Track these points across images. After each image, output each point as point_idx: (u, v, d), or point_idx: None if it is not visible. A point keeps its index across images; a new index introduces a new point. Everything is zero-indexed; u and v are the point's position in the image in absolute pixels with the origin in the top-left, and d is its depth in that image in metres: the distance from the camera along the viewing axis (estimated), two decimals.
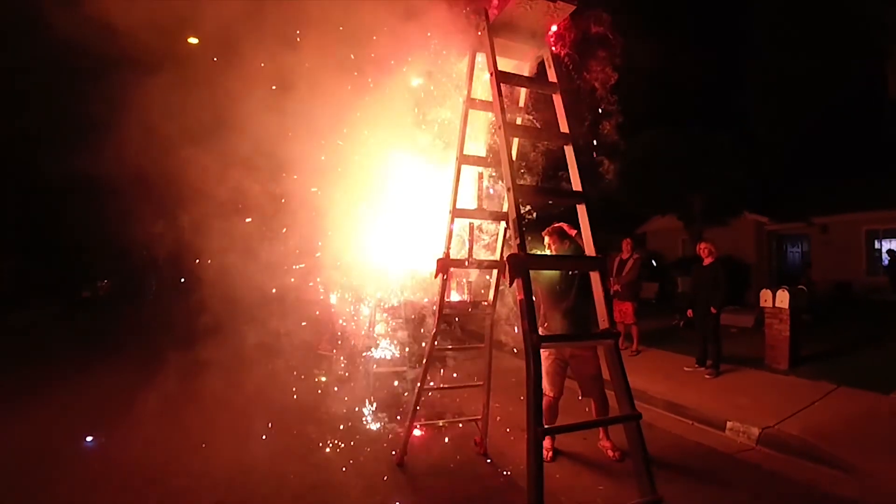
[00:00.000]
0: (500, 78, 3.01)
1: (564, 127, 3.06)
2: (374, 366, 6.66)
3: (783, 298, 7.32)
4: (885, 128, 13.05)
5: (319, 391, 6.10)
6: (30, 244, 19.70)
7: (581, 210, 2.82)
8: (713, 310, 7.07)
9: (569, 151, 2.96)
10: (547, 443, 4.64)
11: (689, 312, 7.62)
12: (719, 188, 14.47)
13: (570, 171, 2.93)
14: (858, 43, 12.90)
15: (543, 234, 4.62)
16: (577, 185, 2.89)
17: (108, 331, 8.35)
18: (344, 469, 4.41)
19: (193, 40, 5.17)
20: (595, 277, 2.67)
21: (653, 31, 22.59)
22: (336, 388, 6.24)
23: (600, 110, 4.02)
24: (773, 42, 14.67)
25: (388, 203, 4.89)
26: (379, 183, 4.87)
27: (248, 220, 5.43)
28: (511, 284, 2.33)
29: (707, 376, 6.99)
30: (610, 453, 4.59)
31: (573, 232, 4.39)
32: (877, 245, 16.33)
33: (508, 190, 2.62)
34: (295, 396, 6.06)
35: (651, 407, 6.25)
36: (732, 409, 5.64)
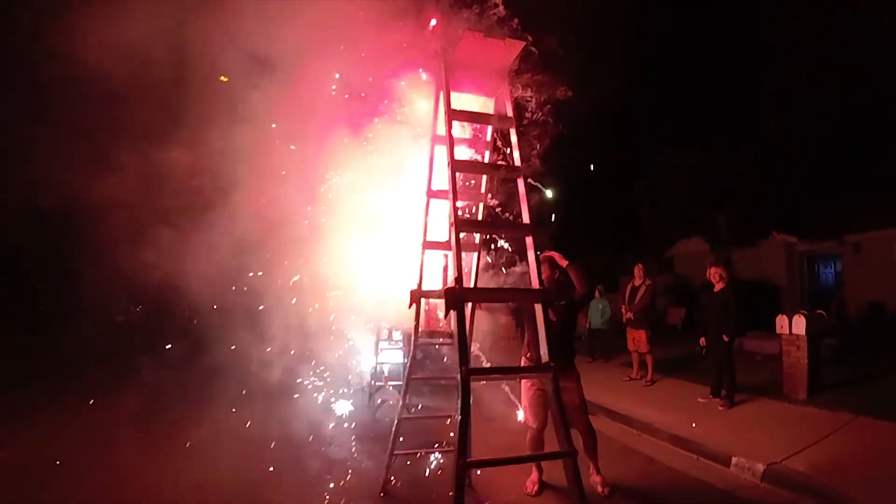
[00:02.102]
0: (452, 115, 3.11)
1: (517, 161, 3.12)
2: (377, 398, 6.71)
3: (799, 324, 7.03)
4: None
5: (316, 418, 6.17)
6: (69, 267, 20.51)
7: (528, 242, 2.85)
8: (725, 338, 6.86)
9: (520, 185, 3.01)
10: (534, 476, 4.57)
11: (702, 341, 7.40)
12: (746, 207, 14.08)
13: (520, 204, 2.97)
14: (883, 54, 12.48)
15: None
16: (525, 217, 2.93)
17: (131, 355, 8.78)
18: (327, 496, 4.44)
19: (224, 79, 5.39)
20: (538, 310, 2.69)
21: (676, 48, 22.60)
22: (334, 416, 6.32)
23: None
24: (797, 56, 14.33)
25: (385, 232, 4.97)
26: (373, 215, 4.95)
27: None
28: (445, 316, 2.37)
29: (721, 408, 6.73)
30: (599, 489, 4.46)
31: (565, 263, 4.38)
32: None
33: (451, 224, 2.68)
34: (288, 422, 6.12)
35: (656, 440, 6.08)
36: (741, 442, 5.41)
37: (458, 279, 2.49)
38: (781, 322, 7.27)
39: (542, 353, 2.58)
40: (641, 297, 8.52)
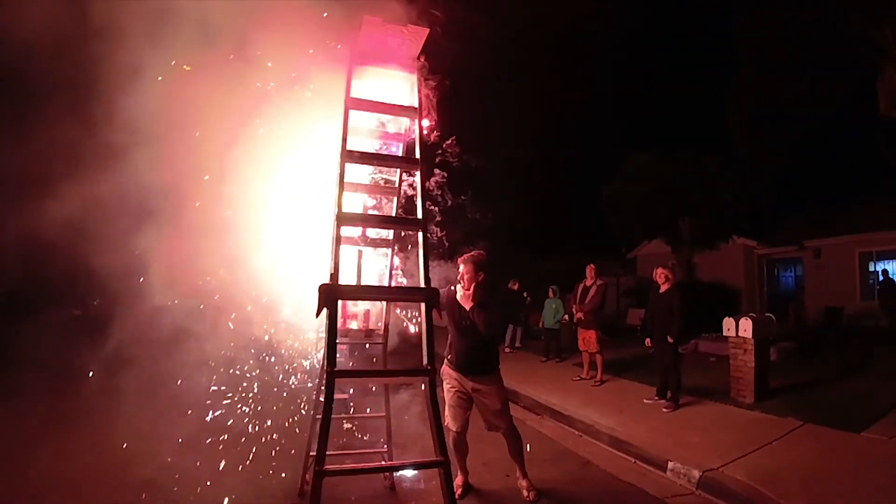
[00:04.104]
0: (350, 105, 2.95)
1: (418, 153, 2.96)
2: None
3: (746, 327, 6.96)
4: (876, 147, 12.62)
5: (247, 412, 5.89)
6: (27, 261, 19.64)
7: (419, 239, 2.68)
8: (670, 339, 6.79)
9: (418, 178, 2.84)
10: (458, 479, 4.34)
11: (648, 342, 7.33)
12: (708, 212, 14.22)
13: (418, 198, 2.80)
14: (847, 62, 12.61)
15: (459, 260, 4.36)
16: (420, 212, 2.77)
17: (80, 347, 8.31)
18: (234, 495, 4.18)
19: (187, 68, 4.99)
20: (422, 310, 2.51)
21: (640, 52, 22.90)
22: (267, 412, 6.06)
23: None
24: (760, 63, 14.45)
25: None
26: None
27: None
28: (318, 314, 2.20)
29: (665, 409, 6.63)
30: (524, 493, 4.29)
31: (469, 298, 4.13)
32: (871, 268, 15.71)
33: (336, 218, 2.51)
34: (214, 414, 5.83)
35: (595, 442, 5.93)
36: (680, 447, 5.25)
37: (334, 275, 2.32)
38: (728, 325, 7.20)
39: (423, 356, 2.41)
40: (592, 298, 8.44)
